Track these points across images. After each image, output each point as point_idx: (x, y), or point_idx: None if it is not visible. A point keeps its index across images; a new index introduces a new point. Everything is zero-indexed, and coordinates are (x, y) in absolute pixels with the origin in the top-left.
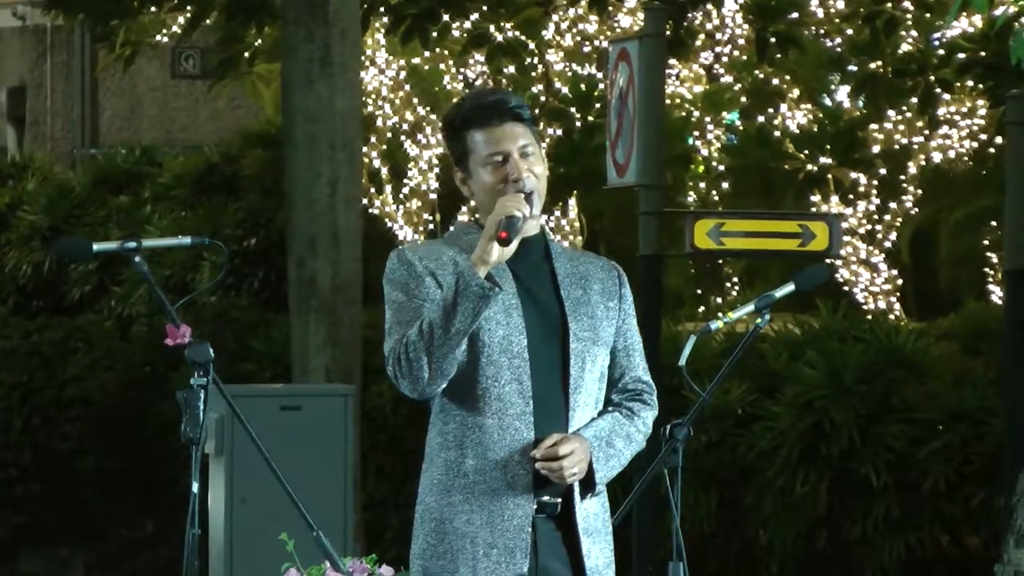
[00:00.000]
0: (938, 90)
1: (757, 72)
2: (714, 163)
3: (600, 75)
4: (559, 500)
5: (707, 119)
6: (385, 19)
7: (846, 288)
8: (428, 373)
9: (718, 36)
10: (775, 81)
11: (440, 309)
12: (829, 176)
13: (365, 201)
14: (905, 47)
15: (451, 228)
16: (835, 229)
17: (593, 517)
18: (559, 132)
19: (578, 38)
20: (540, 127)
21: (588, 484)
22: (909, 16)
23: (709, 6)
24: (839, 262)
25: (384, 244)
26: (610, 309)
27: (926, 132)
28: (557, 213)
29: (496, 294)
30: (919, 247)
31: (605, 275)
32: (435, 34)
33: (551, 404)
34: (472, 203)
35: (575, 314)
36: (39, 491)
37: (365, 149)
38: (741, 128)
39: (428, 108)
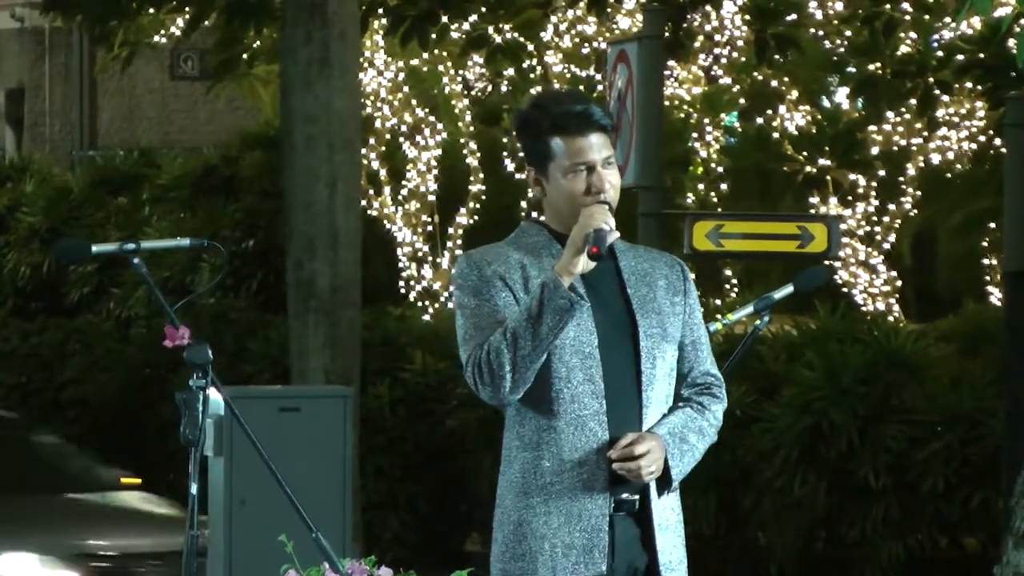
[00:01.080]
0: (937, 92)
1: (756, 74)
2: (713, 165)
3: (599, 76)
4: (636, 497)
5: (706, 121)
6: (384, 20)
7: (845, 289)
8: (511, 382)
9: (717, 38)
10: (774, 83)
11: (525, 320)
12: (828, 178)
13: (364, 203)
14: (904, 49)
15: (518, 228)
16: (834, 231)
17: (669, 512)
18: None
19: (577, 40)
20: None
21: (664, 481)
22: (908, 18)
23: (708, 8)
24: (838, 264)
25: (383, 246)
26: (675, 305)
27: (925, 134)
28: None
29: (582, 307)
30: (918, 248)
31: (668, 270)
32: (434, 36)
33: (624, 402)
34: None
35: (643, 311)
36: None
37: (364, 151)
38: (740, 130)
39: (427, 110)
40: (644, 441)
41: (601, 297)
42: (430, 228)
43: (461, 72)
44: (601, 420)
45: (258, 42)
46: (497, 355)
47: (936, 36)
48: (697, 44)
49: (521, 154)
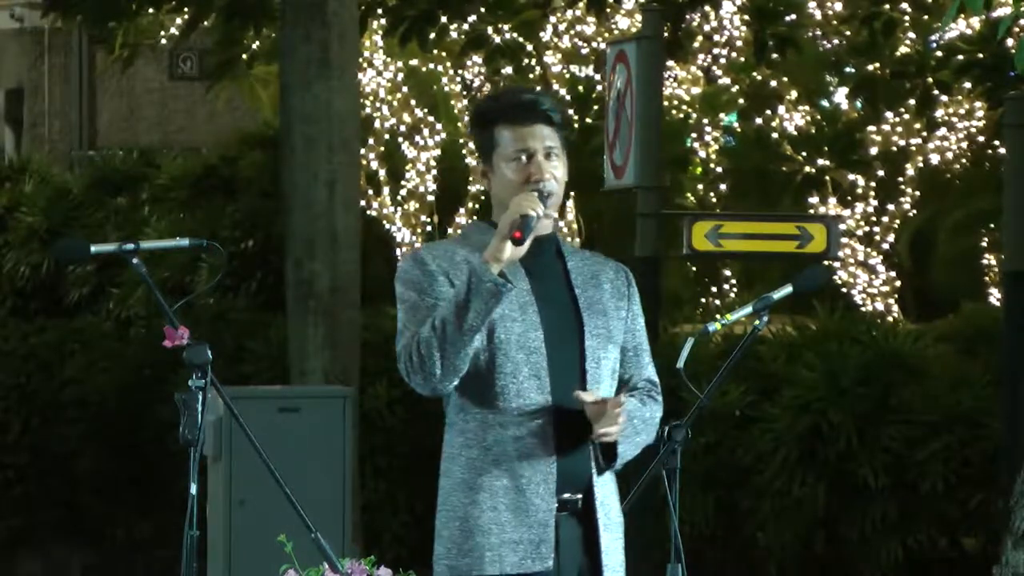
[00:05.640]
0: (936, 92)
1: (755, 74)
2: (712, 165)
3: (598, 77)
4: (580, 497)
5: (705, 121)
6: (383, 21)
7: (844, 290)
8: (440, 370)
9: (716, 38)
10: (773, 83)
11: (453, 306)
12: (827, 178)
13: (363, 203)
14: (903, 49)
15: (464, 227)
16: (833, 231)
17: (615, 512)
18: None
19: (576, 40)
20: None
21: (610, 457)
22: (907, 18)
23: (707, 8)
24: (837, 264)
25: (382, 246)
26: (620, 309)
27: (924, 134)
28: (555, 215)
29: (509, 290)
30: (917, 249)
31: (614, 275)
32: (433, 36)
33: (568, 400)
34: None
35: (589, 312)
36: (37, 493)
37: (363, 151)
38: (739, 130)
39: (426, 110)
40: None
41: (549, 296)
42: (429, 228)
43: (460, 72)
44: (547, 416)
45: (257, 42)
46: (427, 343)
47: (935, 36)
48: (696, 44)
49: (555, 150)
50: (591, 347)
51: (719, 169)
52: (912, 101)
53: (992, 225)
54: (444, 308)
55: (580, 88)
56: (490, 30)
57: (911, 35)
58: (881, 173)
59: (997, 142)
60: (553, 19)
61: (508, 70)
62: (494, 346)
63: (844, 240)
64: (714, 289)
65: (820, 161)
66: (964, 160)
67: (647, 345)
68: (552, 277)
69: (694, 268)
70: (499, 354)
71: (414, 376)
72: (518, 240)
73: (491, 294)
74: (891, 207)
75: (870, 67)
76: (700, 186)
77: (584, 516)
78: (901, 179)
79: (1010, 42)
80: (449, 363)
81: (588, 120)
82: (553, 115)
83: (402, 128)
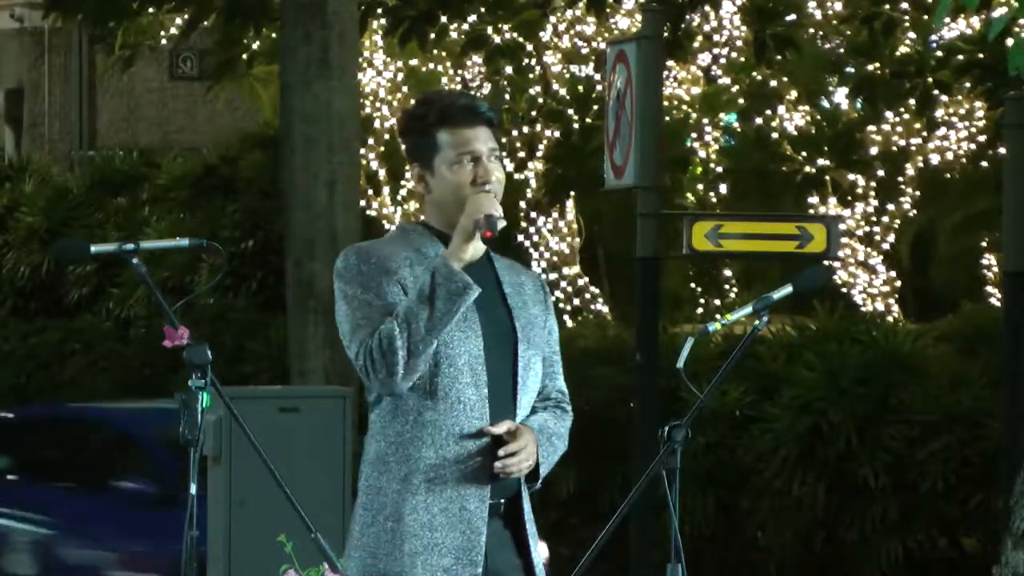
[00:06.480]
0: (936, 92)
1: (755, 74)
2: (712, 165)
3: (598, 77)
4: (503, 500)
5: (705, 121)
6: (383, 21)
7: (844, 290)
8: (403, 369)
9: (716, 38)
10: (773, 83)
11: (417, 307)
12: (827, 178)
13: (363, 203)
14: (903, 49)
15: (396, 229)
16: (833, 231)
17: (533, 523)
18: (557, 134)
19: (576, 40)
20: (538, 128)
21: (533, 476)
22: (907, 18)
23: (707, 8)
24: (837, 264)
25: None
26: (538, 317)
27: (924, 134)
28: (555, 215)
29: (475, 291)
30: (917, 249)
31: (534, 285)
32: (433, 36)
33: (502, 406)
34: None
35: (521, 321)
36: None
37: (363, 151)
38: (739, 130)
39: None
40: (522, 436)
41: (485, 302)
42: None
43: (460, 72)
44: (484, 421)
45: (257, 42)
46: (390, 342)
47: (935, 36)
48: (696, 44)
49: (496, 152)
50: (523, 356)
51: (719, 169)
52: (912, 101)
53: (992, 225)
54: (406, 307)
55: (580, 88)
56: (490, 30)
57: (911, 35)
58: (881, 173)
59: (997, 142)
60: (553, 19)
61: (508, 70)
62: (437, 350)
63: (844, 240)
64: (714, 289)
65: (820, 161)
66: (964, 160)
67: (559, 355)
68: (487, 284)
69: (692, 270)
70: (442, 358)
71: (374, 376)
72: (489, 239)
73: (457, 294)
74: (891, 207)
75: (870, 67)
76: (700, 186)
77: (509, 520)
78: (901, 179)
79: (1010, 42)
80: (413, 363)
81: (588, 120)
82: (491, 117)
83: None
